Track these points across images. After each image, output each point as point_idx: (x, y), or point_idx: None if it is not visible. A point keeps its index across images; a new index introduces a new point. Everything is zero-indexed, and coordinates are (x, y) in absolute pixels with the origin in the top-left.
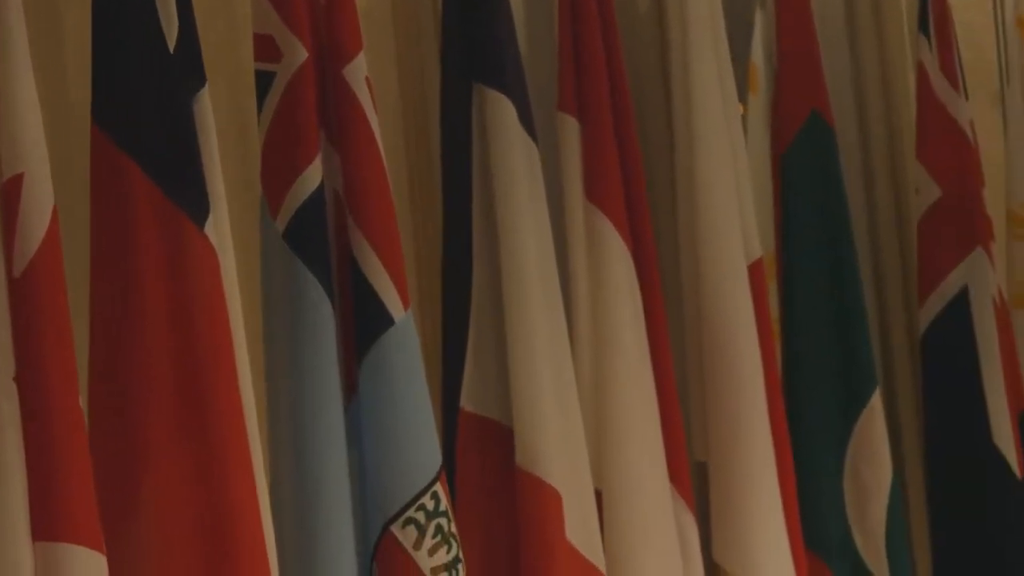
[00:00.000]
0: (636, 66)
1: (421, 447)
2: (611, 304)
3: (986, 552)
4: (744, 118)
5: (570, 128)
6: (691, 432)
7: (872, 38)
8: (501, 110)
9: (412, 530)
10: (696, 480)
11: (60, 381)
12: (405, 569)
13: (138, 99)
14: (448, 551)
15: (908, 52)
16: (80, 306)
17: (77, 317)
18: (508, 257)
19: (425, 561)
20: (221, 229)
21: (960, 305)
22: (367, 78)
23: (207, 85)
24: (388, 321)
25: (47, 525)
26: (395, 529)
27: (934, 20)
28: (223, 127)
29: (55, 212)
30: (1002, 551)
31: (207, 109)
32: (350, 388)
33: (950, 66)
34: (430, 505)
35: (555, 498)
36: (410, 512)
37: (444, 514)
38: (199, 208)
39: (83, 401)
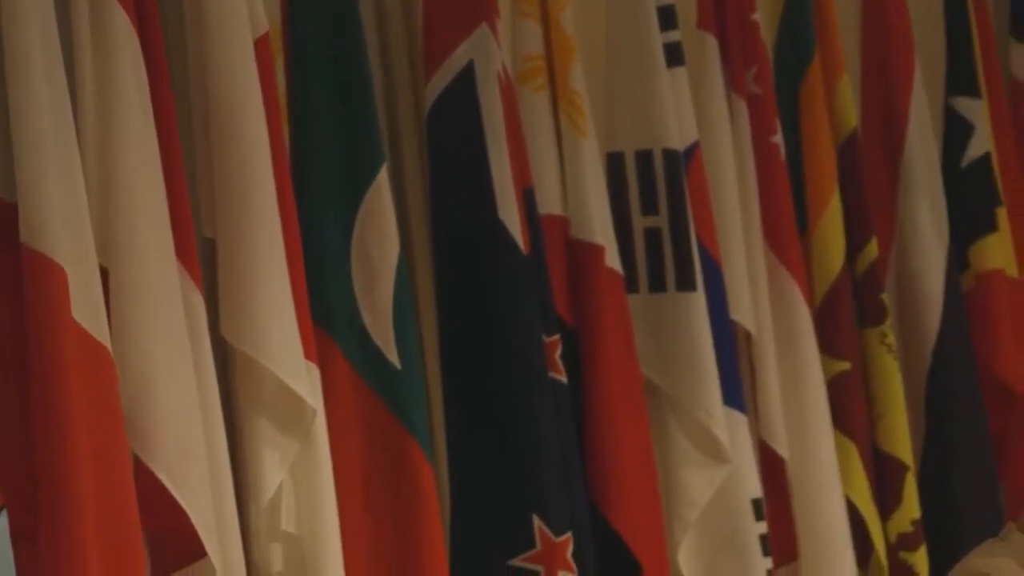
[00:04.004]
0: None
1: None
2: (116, 81)
3: (491, 325)
4: None
5: None
6: (198, 208)
7: None
8: None
9: None
10: (204, 257)
11: None
12: None
13: None
14: None
15: None
16: None
17: None
18: (9, 34)
19: None
20: None
21: (465, 81)
22: None
23: None
24: None
25: None
26: None
27: None
28: None
29: None
30: (507, 325)
31: None
32: None
33: None
34: None
35: (60, 275)
36: None
37: None
38: None
39: None
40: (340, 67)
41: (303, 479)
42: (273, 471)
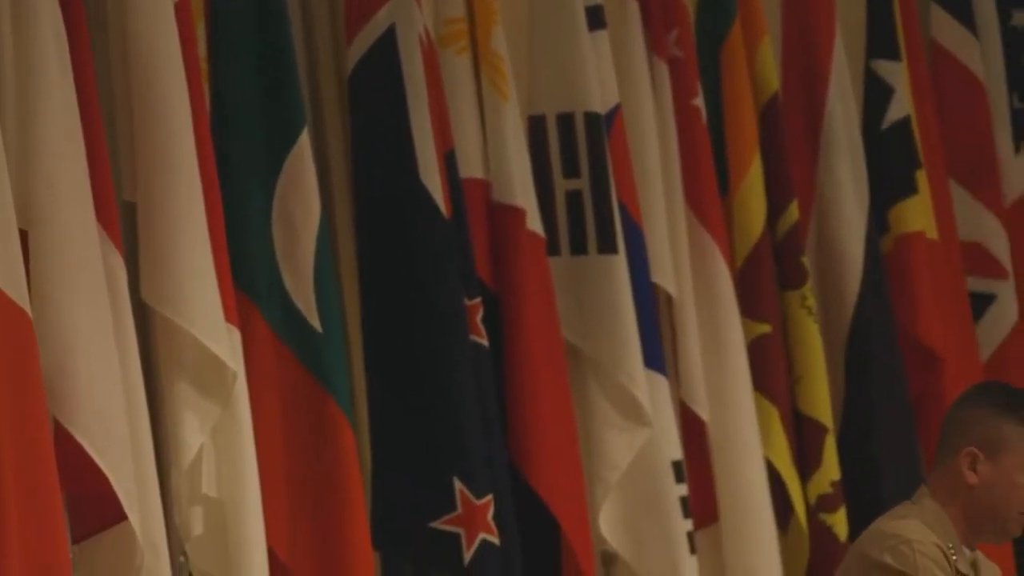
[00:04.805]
0: None
1: None
2: (35, 44)
3: (412, 288)
4: None
5: None
6: (119, 172)
7: None
8: None
9: None
10: (125, 220)
11: None
12: None
13: None
14: None
15: None
16: None
17: None
18: None
19: None
20: None
21: (387, 44)
22: None
23: None
24: None
25: None
26: None
27: None
28: None
29: None
30: (428, 287)
31: None
32: None
33: None
34: None
35: None
36: None
37: None
38: None
39: None
40: (261, 30)
41: (224, 442)
42: (194, 434)
